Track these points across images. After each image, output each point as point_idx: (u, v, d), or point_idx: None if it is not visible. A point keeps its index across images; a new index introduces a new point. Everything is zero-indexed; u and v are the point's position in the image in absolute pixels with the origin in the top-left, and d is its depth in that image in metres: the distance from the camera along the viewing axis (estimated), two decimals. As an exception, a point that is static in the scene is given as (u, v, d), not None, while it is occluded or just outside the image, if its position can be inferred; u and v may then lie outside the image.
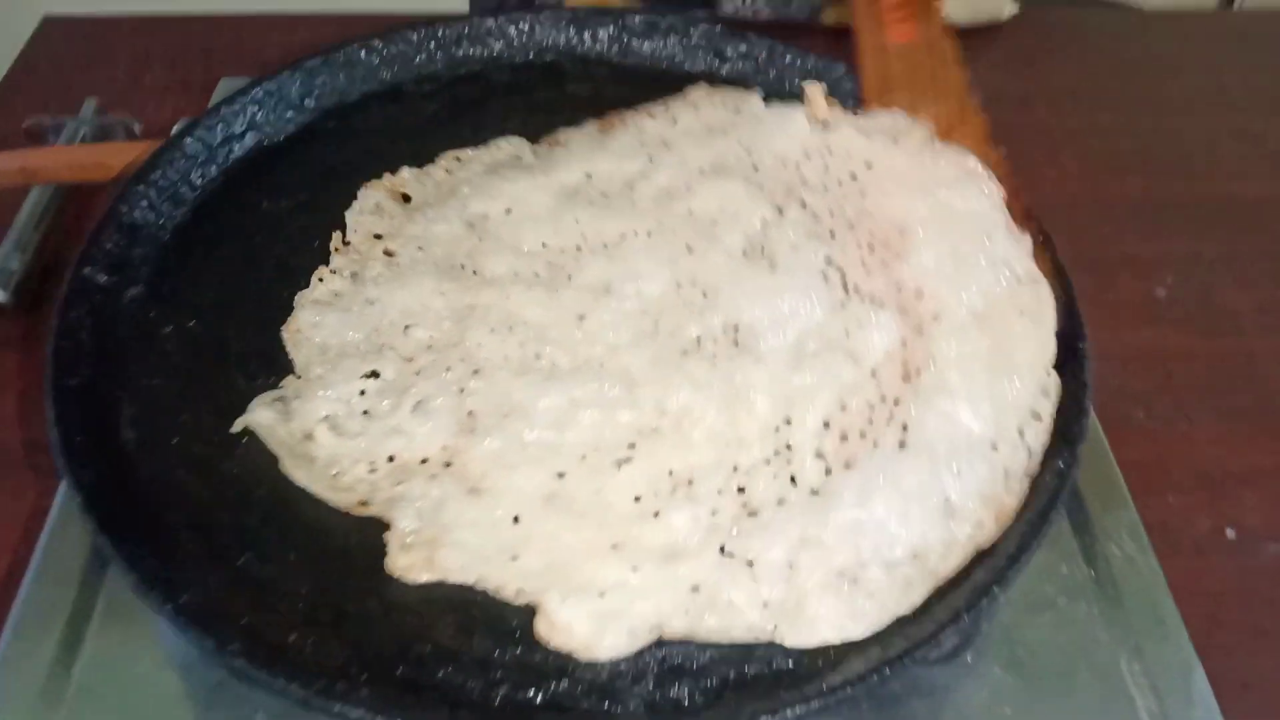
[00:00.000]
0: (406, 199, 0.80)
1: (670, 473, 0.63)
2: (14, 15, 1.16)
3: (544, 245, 0.76)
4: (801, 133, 0.80)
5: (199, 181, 0.79)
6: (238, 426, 0.65)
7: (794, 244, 0.73)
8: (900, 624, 0.57)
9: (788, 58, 0.90)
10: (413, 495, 0.62)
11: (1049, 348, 0.68)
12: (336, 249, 0.75)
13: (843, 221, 0.75)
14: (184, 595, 0.55)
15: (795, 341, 0.68)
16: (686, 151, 0.80)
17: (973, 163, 0.75)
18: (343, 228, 0.77)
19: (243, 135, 0.82)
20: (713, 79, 0.91)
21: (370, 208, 0.78)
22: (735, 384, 0.66)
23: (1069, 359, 0.67)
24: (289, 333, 0.70)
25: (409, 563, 0.59)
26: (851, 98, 0.86)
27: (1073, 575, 0.68)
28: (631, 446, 0.64)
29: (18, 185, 0.88)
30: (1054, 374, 0.67)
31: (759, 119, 0.82)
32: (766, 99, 0.84)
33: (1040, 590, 0.67)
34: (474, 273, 0.74)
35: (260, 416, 0.65)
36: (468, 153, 0.84)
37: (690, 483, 0.62)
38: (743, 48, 0.92)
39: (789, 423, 0.65)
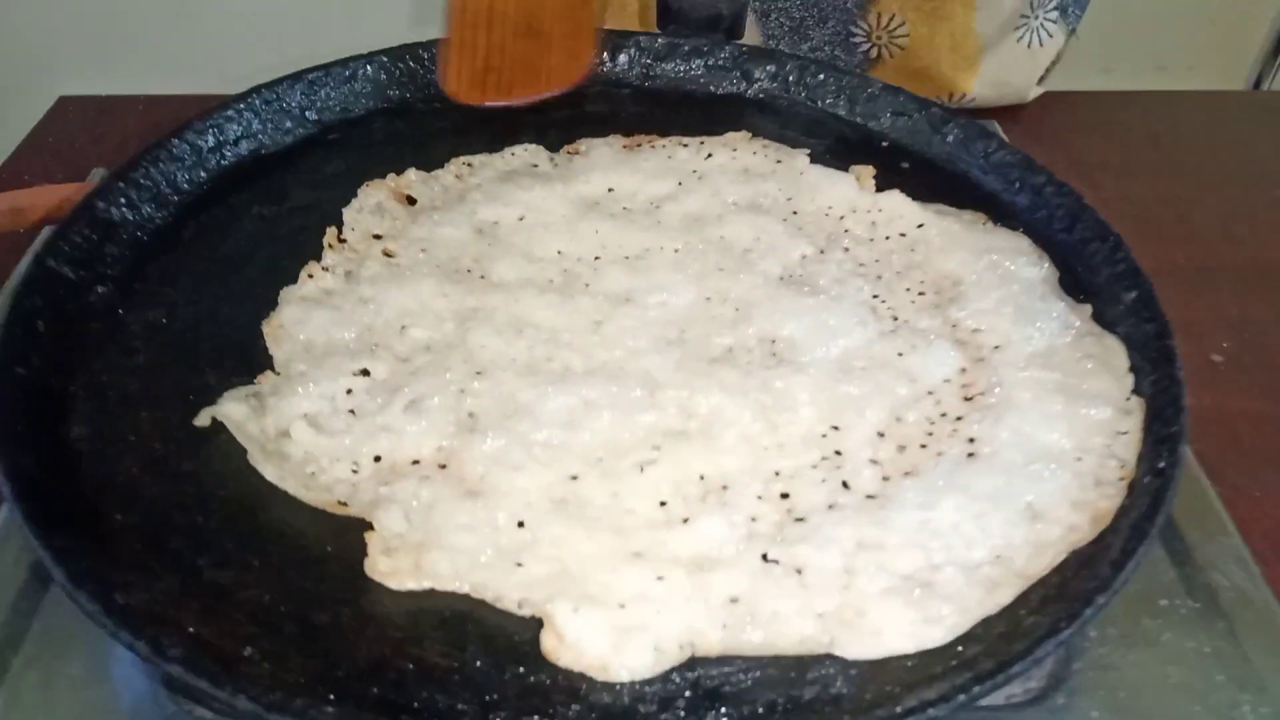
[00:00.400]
0: (411, 202, 0.74)
1: (701, 477, 0.55)
2: (31, 95, 1.14)
3: (559, 253, 0.70)
4: (849, 192, 0.76)
5: (185, 185, 0.73)
6: (203, 419, 0.56)
7: (837, 278, 0.68)
8: (984, 645, 0.47)
9: (820, 76, 0.85)
10: (400, 496, 0.53)
11: (1125, 384, 0.61)
12: (330, 245, 0.68)
13: (889, 269, 0.70)
14: (120, 596, 0.46)
15: (841, 357, 0.62)
16: (720, 185, 0.76)
17: (1027, 243, 0.71)
18: (340, 225, 0.70)
19: (237, 142, 0.77)
20: (740, 101, 0.86)
21: (371, 207, 0.72)
22: (774, 390, 0.60)
23: (1160, 359, 0.59)
24: (270, 328, 0.63)
25: (392, 567, 0.50)
26: (889, 113, 0.81)
27: (1175, 609, 0.58)
28: (655, 449, 0.56)
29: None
30: (1134, 397, 0.59)
31: (801, 173, 0.77)
32: (813, 158, 0.78)
33: (1139, 626, 0.57)
34: (481, 277, 0.68)
35: (230, 410, 0.57)
36: (480, 158, 0.78)
37: (725, 488, 0.55)
38: (771, 68, 0.86)
39: (837, 429, 0.58)
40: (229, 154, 0.76)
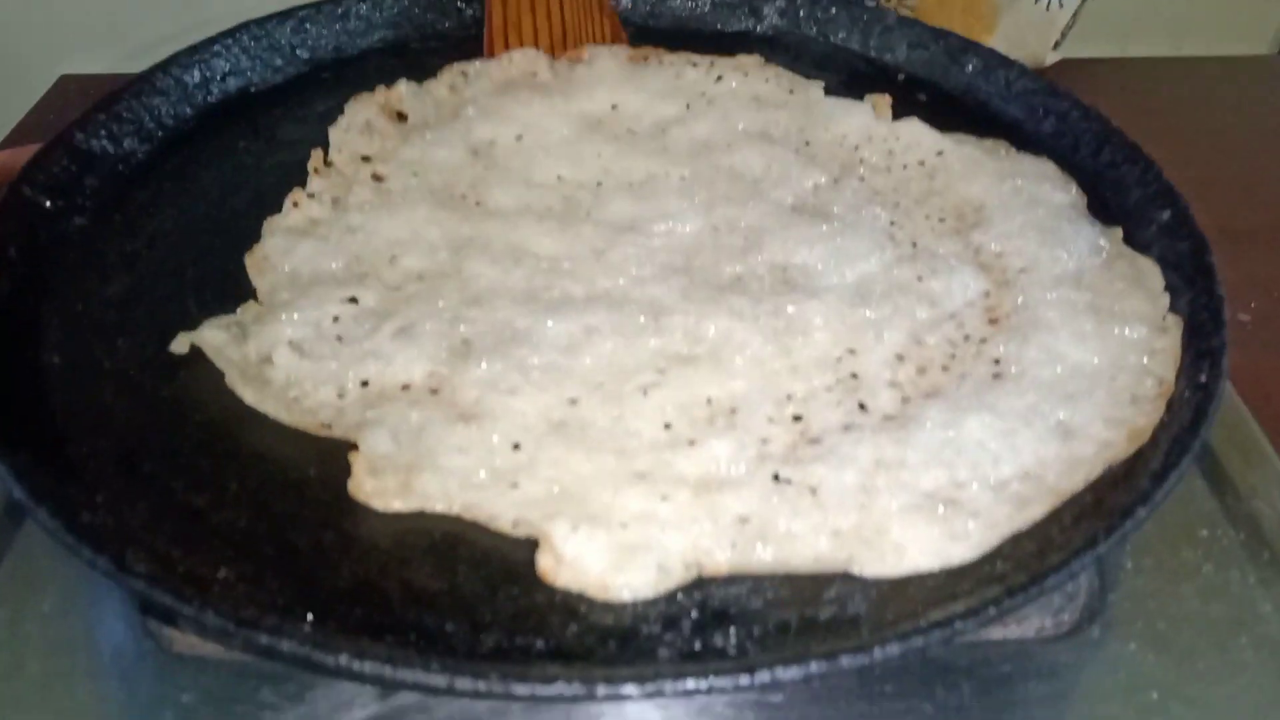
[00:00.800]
0: (402, 118, 0.70)
1: (709, 400, 0.52)
2: (32, 73, 1.12)
3: (559, 178, 0.66)
4: (865, 120, 0.71)
5: (169, 120, 0.70)
6: (180, 345, 0.53)
7: (852, 205, 0.64)
8: (1014, 562, 0.44)
9: (832, 10, 0.81)
10: (388, 419, 0.50)
11: (1160, 303, 0.57)
12: (316, 170, 0.64)
13: (908, 196, 0.66)
14: (87, 515, 0.43)
15: (857, 283, 0.59)
16: (730, 110, 0.71)
17: (1052, 168, 0.67)
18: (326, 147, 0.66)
19: (224, 79, 0.74)
20: (749, 38, 0.83)
21: (359, 125, 0.68)
22: (786, 315, 0.56)
23: (1198, 274, 0.56)
24: (253, 260, 0.59)
25: (378, 487, 0.47)
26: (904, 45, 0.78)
27: (1216, 539, 0.54)
28: (660, 372, 0.53)
29: None
30: (1171, 316, 0.56)
31: (815, 103, 0.73)
32: (827, 91, 0.74)
33: (1178, 556, 0.53)
34: (476, 204, 0.64)
35: (210, 336, 0.54)
36: (476, 65, 0.73)
37: (733, 411, 0.51)
38: (780, 3, 0.83)
39: (853, 353, 0.55)
40: (216, 90, 0.73)
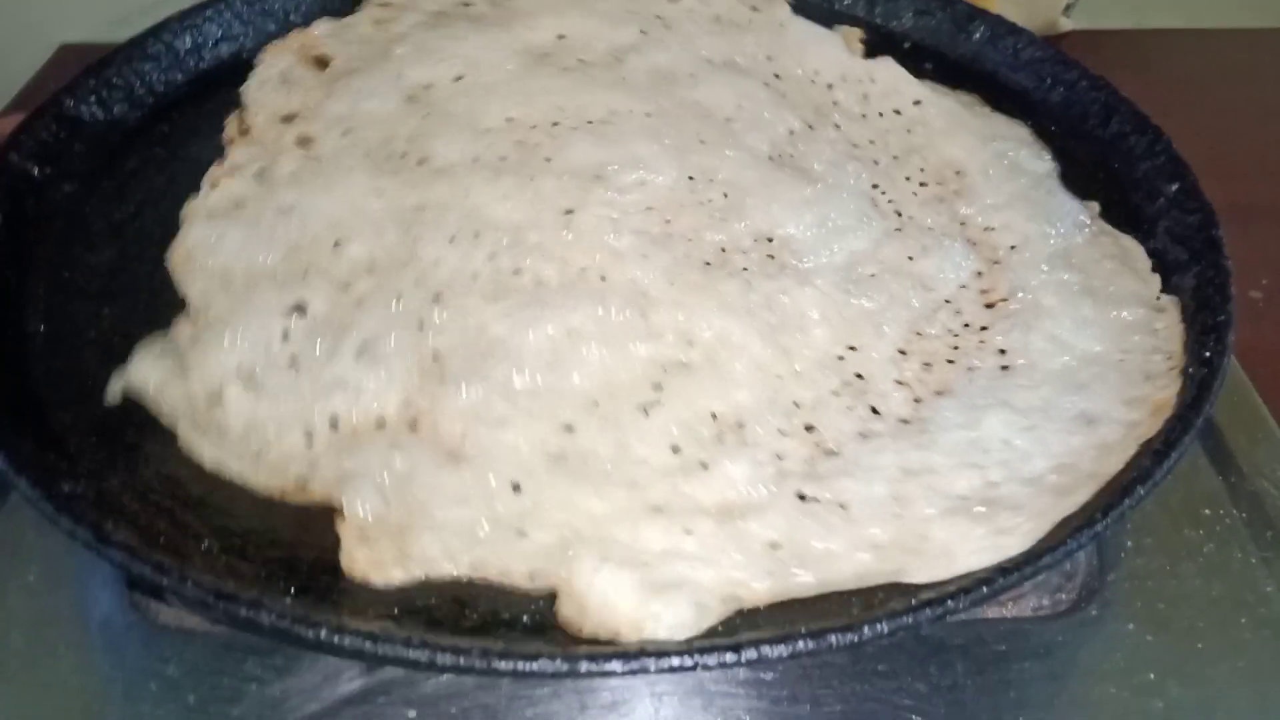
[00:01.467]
0: (324, 65, 0.63)
1: (713, 416, 0.49)
2: (32, 42, 1.11)
3: (509, 121, 0.60)
4: (837, 55, 0.68)
5: (160, 87, 0.69)
6: (113, 395, 0.48)
7: (832, 160, 0.61)
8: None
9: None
10: (369, 469, 0.45)
11: (1152, 285, 0.56)
12: (233, 139, 0.58)
13: (886, 153, 0.64)
14: (68, 485, 0.43)
15: (847, 263, 0.57)
16: (691, 35, 0.66)
17: (1027, 132, 0.66)
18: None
19: (216, 45, 0.72)
20: None
21: (275, 79, 0.61)
22: (780, 307, 0.53)
23: (1206, 248, 0.54)
24: (176, 259, 0.53)
25: (374, 558, 0.42)
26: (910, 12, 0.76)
27: (1219, 518, 0.53)
28: (657, 386, 0.49)
29: None
30: (1165, 297, 0.55)
31: (784, 26, 0.69)
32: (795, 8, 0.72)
33: (1180, 535, 0.53)
34: (420, 162, 0.57)
35: (144, 373, 0.48)
36: None
37: (740, 425, 0.48)
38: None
39: (854, 350, 0.53)
40: (208, 56, 0.72)
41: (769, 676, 0.46)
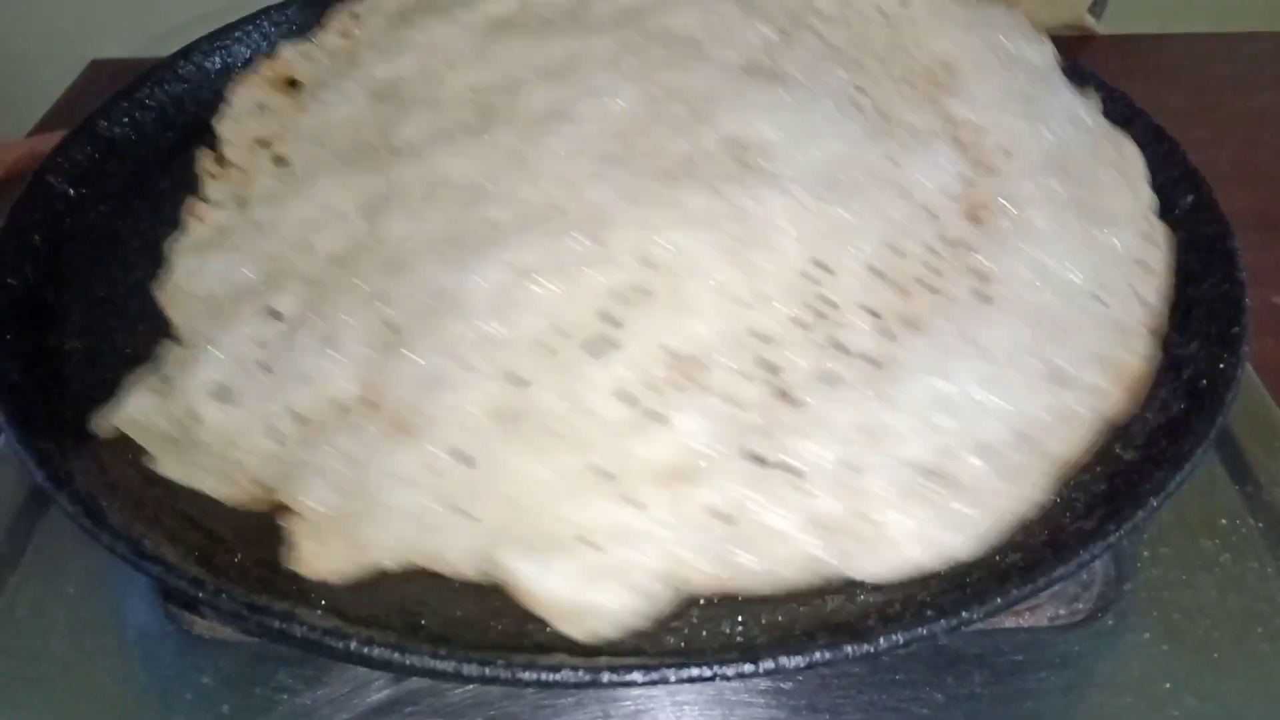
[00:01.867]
0: (296, 85, 0.65)
1: (671, 354, 0.46)
2: (63, 58, 1.13)
3: (472, 90, 0.58)
4: None
5: (191, 107, 0.70)
6: (105, 429, 0.48)
7: (809, 64, 0.58)
8: (1025, 554, 0.43)
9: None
10: (324, 460, 0.44)
11: (1145, 196, 0.56)
12: (212, 175, 0.60)
13: (870, 54, 0.60)
14: (106, 500, 0.44)
15: (824, 167, 0.53)
16: None
17: (1024, 20, 0.63)
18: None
19: (245, 66, 0.74)
20: None
21: (249, 110, 0.63)
22: (748, 216, 0.49)
23: (1221, 260, 0.55)
24: (165, 294, 0.54)
25: (321, 552, 0.42)
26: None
27: (1235, 528, 0.54)
28: (612, 322, 0.46)
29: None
30: (1158, 221, 0.55)
31: None
32: None
33: (1196, 546, 0.53)
34: (389, 150, 0.56)
35: (139, 406, 0.48)
36: (363, 4, 0.67)
37: (698, 365, 0.46)
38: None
39: (825, 269, 0.49)
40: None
41: (788, 685, 0.46)
